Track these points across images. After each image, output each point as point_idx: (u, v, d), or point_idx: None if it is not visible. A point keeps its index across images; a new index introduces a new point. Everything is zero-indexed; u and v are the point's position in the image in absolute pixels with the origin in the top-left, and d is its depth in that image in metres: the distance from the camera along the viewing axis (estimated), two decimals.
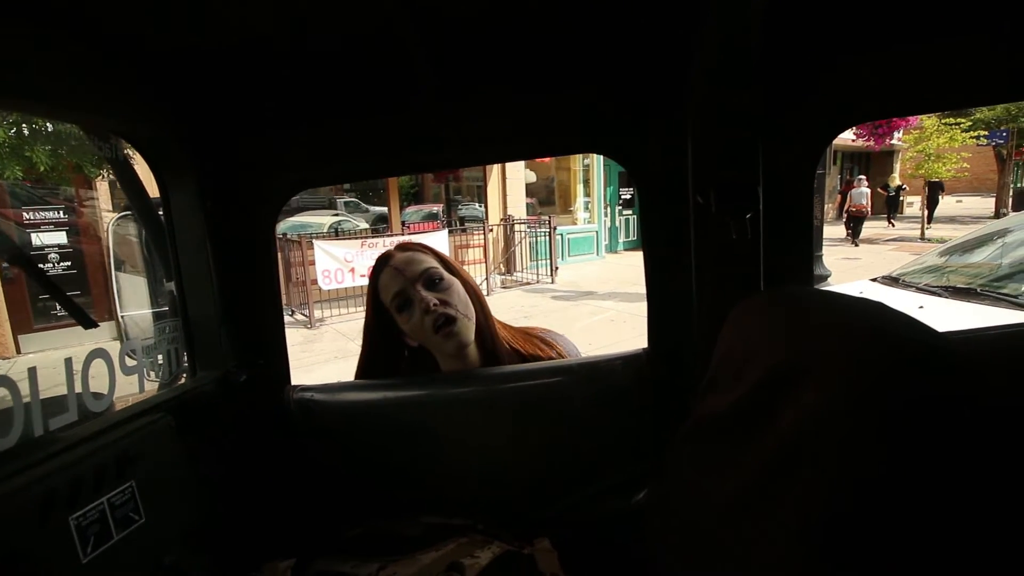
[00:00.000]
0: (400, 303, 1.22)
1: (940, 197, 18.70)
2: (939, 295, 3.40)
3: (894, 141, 17.59)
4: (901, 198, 19.31)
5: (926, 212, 17.28)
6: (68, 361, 0.96)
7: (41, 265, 7.09)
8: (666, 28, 0.98)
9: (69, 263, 7.38)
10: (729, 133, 1.00)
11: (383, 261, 1.27)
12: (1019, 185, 24.28)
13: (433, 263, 1.25)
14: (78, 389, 0.94)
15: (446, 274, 1.25)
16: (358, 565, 1.02)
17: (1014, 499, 0.51)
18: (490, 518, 1.14)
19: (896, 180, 19.09)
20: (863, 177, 16.75)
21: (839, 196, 18.34)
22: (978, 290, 3.29)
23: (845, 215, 16.22)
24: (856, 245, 15.19)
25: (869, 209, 15.67)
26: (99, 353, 0.99)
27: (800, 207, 1.06)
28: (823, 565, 0.52)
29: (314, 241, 8.27)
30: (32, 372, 0.91)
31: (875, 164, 23.22)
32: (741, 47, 0.92)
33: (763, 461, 0.62)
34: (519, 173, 12.56)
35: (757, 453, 0.64)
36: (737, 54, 0.93)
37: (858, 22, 0.98)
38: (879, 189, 18.58)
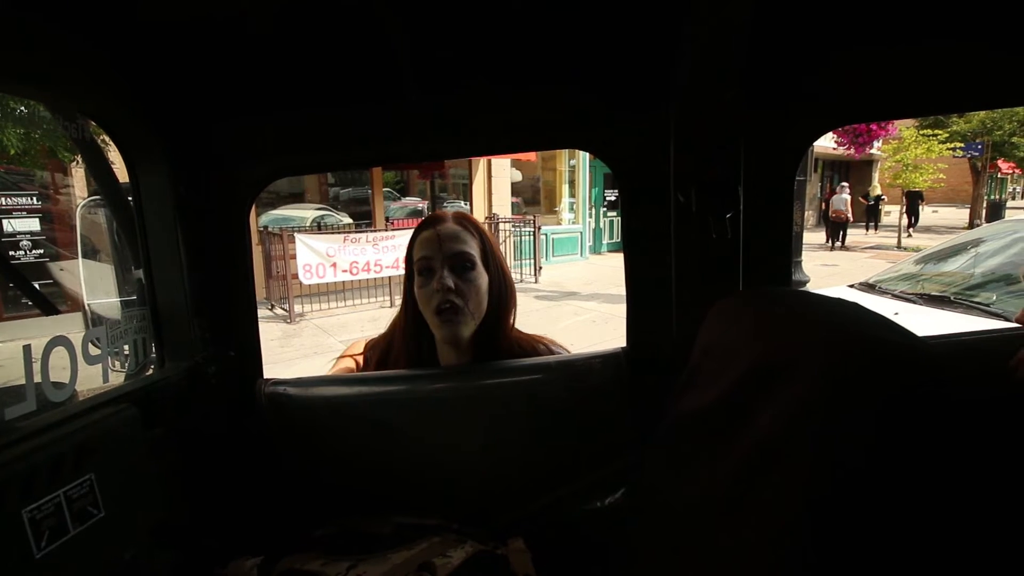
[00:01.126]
0: (422, 267, 1.21)
1: (920, 206, 19.28)
2: (914, 302, 3.47)
3: (873, 150, 18.01)
4: (880, 207, 19.91)
5: (907, 220, 17.80)
6: (27, 349, 0.92)
7: (12, 252, 6.90)
8: (651, 26, 0.97)
9: (41, 251, 7.18)
10: (711, 132, 1.00)
11: (432, 221, 1.25)
12: (993, 197, 24.96)
13: (473, 250, 1.22)
14: (37, 378, 0.91)
15: (479, 265, 1.22)
16: (327, 564, 1.00)
17: (987, 488, 0.52)
18: (465, 517, 1.12)
19: (877, 189, 19.84)
20: (845, 184, 17.33)
21: (823, 203, 18.84)
22: (952, 298, 3.37)
23: (828, 219, 16.68)
24: (836, 248, 15.58)
25: (850, 215, 16.11)
26: (60, 341, 0.95)
27: (780, 208, 1.06)
28: (807, 555, 0.53)
29: (296, 235, 8.16)
30: None
31: (855, 173, 23.70)
32: (725, 46, 0.91)
33: (744, 457, 0.62)
34: (505, 172, 12.55)
35: (738, 449, 0.64)
36: (721, 53, 0.93)
37: (842, 24, 0.98)
38: (860, 198, 19.15)
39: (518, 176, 13.42)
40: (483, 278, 1.22)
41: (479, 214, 11.90)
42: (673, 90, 1.01)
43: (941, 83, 0.98)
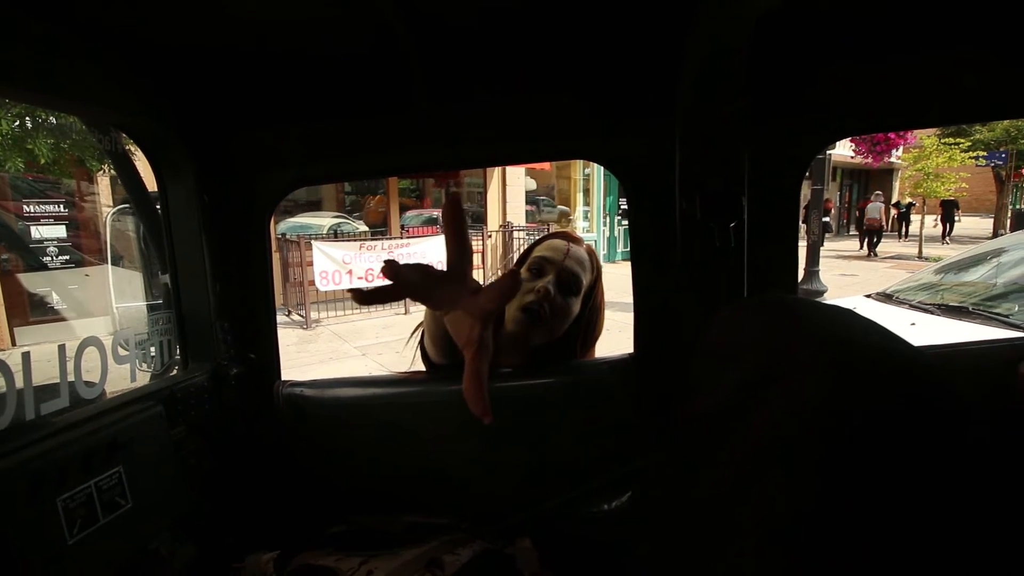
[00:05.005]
0: (535, 265, 1.25)
1: (956, 216, 19.42)
2: (932, 313, 3.42)
3: (893, 159, 17.81)
4: (911, 215, 20.12)
5: (943, 229, 17.75)
6: (61, 348, 0.97)
7: (40, 259, 7.10)
8: (656, 36, 1.00)
9: (67, 257, 7.38)
10: (715, 142, 1.02)
11: (568, 237, 1.32)
12: (1017, 206, 24.46)
13: (585, 283, 1.27)
14: (70, 377, 0.96)
15: (579, 297, 1.27)
16: (341, 559, 1.03)
17: (978, 502, 0.53)
18: (474, 518, 1.15)
19: (907, 198, 20.47)
20: (880, 193, 17.58)
21: (856, 212, 19.06)
22: (971, 309, 3.31)
23: (863, 227, 17.08)
24: (862, 255, 15.67)
25: (884, 222, 16.31)
26: (92, 342, 1.01)
27: (785, 217, 1.08)
28: (789, 563, 0.54)
29: (313, 242, 8.27)
30: (26, 357, 0.92)
31: (874, 181, 23.41)
32: (730, 56, 0.93)
33: (738, 462, 0.63)
34: (519, 180, 12.60)
35: (733, 454, 0.65)
36: (726, 63, 0.94)
37: (848, 34, 0.99)
38: (891, 206, 19.33)
39: (532, 184, 13.46)
40: (576, 308, 1.26)
41: (493, 222, 11.96)
42: (678, 101, 1.03)
43: (946, 94, 0.98)
